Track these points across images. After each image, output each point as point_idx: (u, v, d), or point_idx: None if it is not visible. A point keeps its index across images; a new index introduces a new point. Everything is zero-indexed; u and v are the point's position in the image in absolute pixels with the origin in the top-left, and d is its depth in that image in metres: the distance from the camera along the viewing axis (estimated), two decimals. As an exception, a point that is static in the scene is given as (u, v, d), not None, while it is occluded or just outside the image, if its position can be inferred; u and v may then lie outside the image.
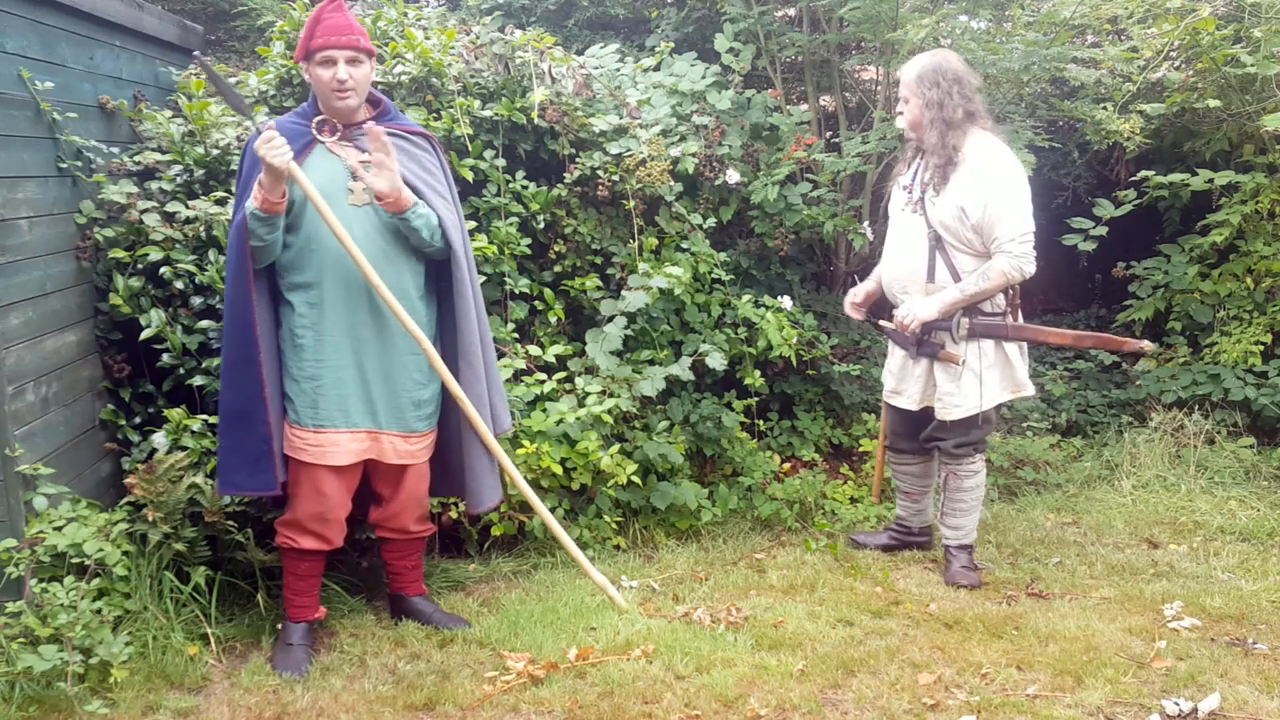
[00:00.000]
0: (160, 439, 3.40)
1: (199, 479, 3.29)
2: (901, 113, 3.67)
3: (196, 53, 3.40)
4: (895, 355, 3.87)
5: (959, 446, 3.73)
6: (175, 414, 3.42)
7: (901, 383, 3.84)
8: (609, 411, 4.00)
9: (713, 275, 4.59)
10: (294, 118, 3.14)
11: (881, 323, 3.92)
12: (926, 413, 3.80)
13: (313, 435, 3.10)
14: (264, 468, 3.06)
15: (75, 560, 3.02)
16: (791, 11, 5.67)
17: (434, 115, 4.14)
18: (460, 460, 3.28)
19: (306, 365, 3.09)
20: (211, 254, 3.61)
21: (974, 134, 3.57)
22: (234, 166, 3.86)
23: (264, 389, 3.04)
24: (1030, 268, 3.53)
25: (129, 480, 3.28)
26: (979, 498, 3.81)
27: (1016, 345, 3.70)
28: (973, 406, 3.63)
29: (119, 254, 3.52)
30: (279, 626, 3.31)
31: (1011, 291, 3.67)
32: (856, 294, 4.01)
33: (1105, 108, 4.89)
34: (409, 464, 3.24)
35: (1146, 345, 3.77)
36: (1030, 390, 3.75)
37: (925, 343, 3.69)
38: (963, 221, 3.53)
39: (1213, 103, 4.75)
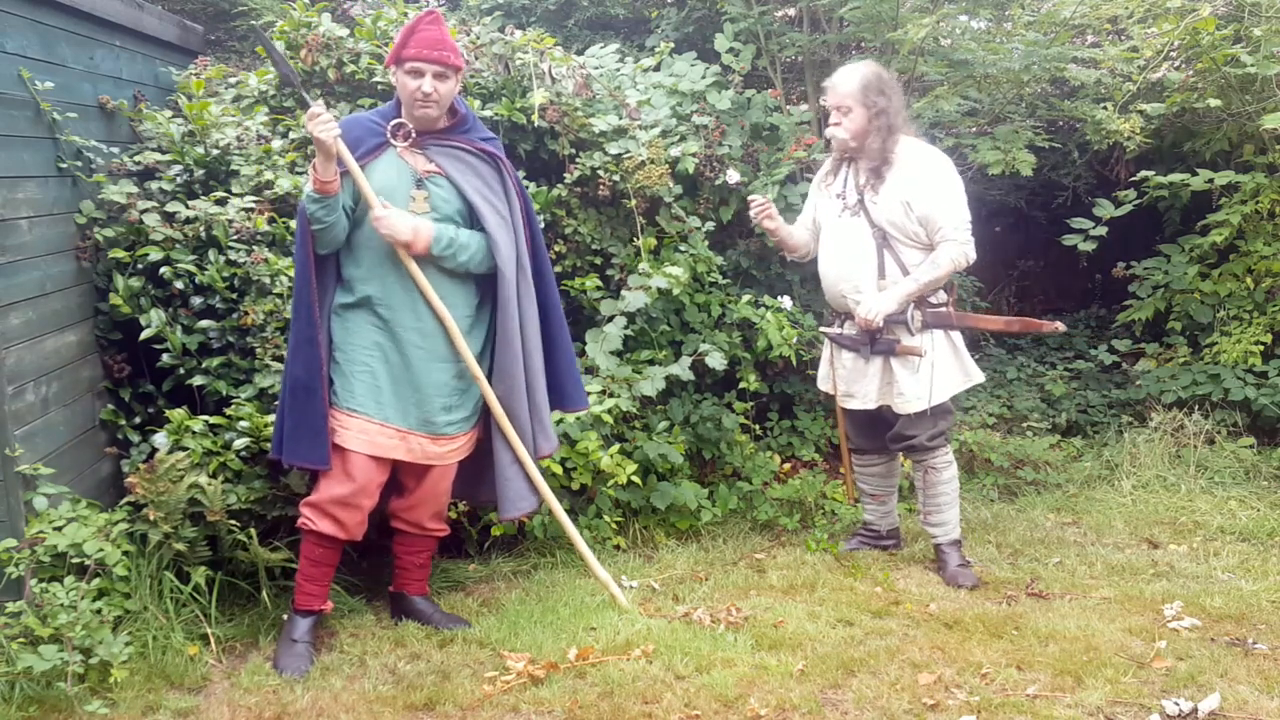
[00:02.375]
0: (161, 439, 3.40)
1: (200, 479, 3.29)
2: (839, 123, 3.66)
3: (254, 23, 3.50)
4: (842, 359, 3.89)
5: (933, 438, 3.78)
6: (176, 414, 3.42)
7: (854, 385, 3.85)
8: (609, 411, 4.00)
9: (710, 278, 4.59)
10: (375, 116, 3.27)
11: (824, 330, 3.98)
12: (883, 412, 3.84)
13: (345, 417, 3.18)
14: (322, 443, 3.14)
15: (75, 560, 3.02)
16: (791, 11, 5.67)
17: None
18: (492, 465, 3.37)
19: (350, 349, 3.20)
20: (211, 254, 3.61)
21: (902, 139, 3.69)
22: (234, 166, 3.87)
23: (323, 368, 3.15)
24: (973, 254, 3.65)
25: (129, 480, 3.28)
26: (956, 489, 3.87)
27: (959, 334, 3.82)
28: (939, 395, 3.71)
29: (119, 254, 3.53)
30: (284, 617, 3.31)
31: (951, 285, 3.79)
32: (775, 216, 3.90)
33: (1105, 108, 4.89)
34: (436, 464, 3.32)
35: (1059, 326, 3.91)
36: (980, 377, 3.87)
37: (879, 340, 3.74)
38: (908, 215, 3.62)
39: (1213, 103, 4.75)
